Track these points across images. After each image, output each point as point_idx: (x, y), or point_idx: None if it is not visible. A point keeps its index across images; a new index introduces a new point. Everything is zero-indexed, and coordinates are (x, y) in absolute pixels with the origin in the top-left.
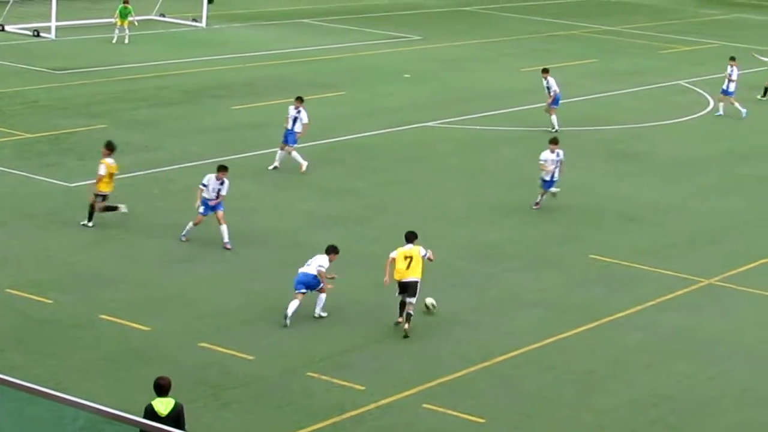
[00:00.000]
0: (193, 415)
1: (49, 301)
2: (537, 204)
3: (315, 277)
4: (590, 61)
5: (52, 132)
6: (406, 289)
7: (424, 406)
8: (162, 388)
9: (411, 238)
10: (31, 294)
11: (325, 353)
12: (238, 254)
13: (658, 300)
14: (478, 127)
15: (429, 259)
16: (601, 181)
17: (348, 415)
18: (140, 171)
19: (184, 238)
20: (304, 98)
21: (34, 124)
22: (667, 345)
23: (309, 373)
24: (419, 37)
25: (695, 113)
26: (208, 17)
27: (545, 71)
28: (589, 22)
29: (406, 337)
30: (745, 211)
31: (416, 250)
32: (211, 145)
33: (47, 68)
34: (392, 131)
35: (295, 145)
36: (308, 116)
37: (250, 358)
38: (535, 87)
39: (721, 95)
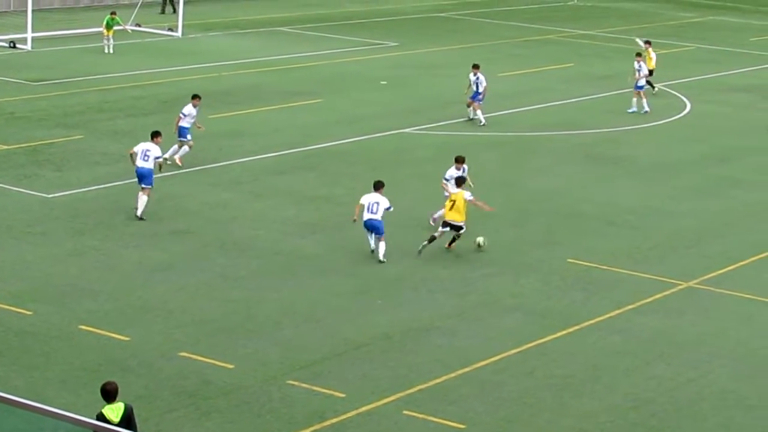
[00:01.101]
0: (173, 424)
1: (29, 313)
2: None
3: (381, 222)
4: (567, 65)
5: (30, 143)
6: (448, 227)
7: (405, 412)
8: (110, 394)
9: (459, 183)
10: (10, 305)
11: (305, 361)
12: (216, 263)
13: (637, 303)
14: (455, 133)
15: (473, 203)
16: (578, 185)
17: (329, 422)
18: (118, 181)
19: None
20: (279, 106)
21: (11, 135)
22: (647, 348)
23: (289, 381)
24: (395, 44)
25: (672, 116)
26: (183, 26)
27: (475, 67)
28: (565, 26)
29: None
30: (723, 213)
31: (461, 195)
32: (189, 155)
33: (24, 79)
34: (369, 138)
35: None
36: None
37: (230, 366)
38: (512, 92)
39: (635, 90)
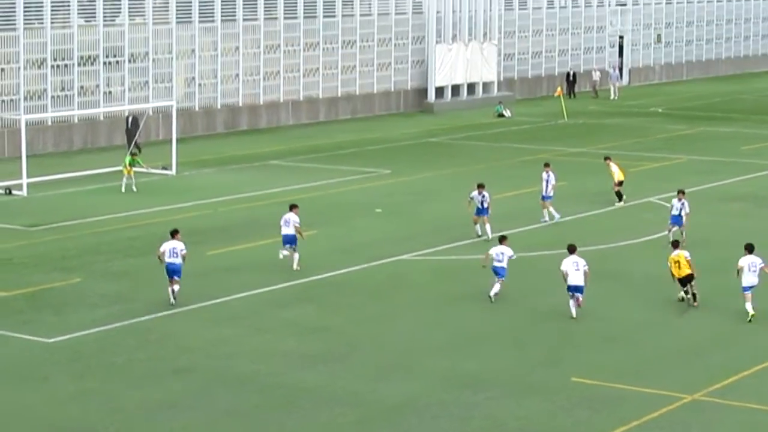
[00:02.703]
0: None
1: None
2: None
3: (505, 268)
4: (560, 183)
5: (28, 289)
6: (683, 282)
7: None
8: None
9: (676, 245)
10: None
11: None
12: (219, 399)
13: (643, 419)
14: (452, 257)
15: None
16: None
17: None
18: (117, 323)
19: None
20: (275, 239)
21: (10, 281)
22: None
23: None
24: (388, 171)
25: (667, 229)
26: (177, 164)
27: (481, 186)
28: (557, 145)
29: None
30: (723, 324)
31: (682, 255)
32: (188, 292)
33: (20, 225)
34: (367, 266)
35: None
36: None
37: None
38: (508, 213)
39: (542, 201)
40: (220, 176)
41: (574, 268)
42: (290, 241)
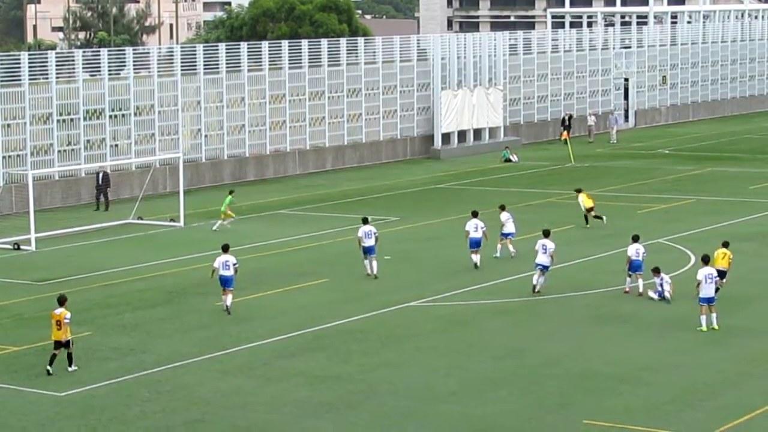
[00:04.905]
0: None
1: None
2: None
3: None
4: (568, 227)
5: (39, 343)
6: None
7: None
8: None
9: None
10: None
11: None
12: None
13: None
14: (460, 303)
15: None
16: (589, 345)
17: None
18: (128, 375)
19: None
20: (285, 288)
21: (21, 336)
22: None
23: None
24: (396, 218)
25: (678, 270)
26: (185, 216)
27: (474, 214)
28: (564, 188)
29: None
30: (735, 363)
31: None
32: (198, 343)
33: (29, 280)
34: (377, 314)
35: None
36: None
37: None
38: (516, 257)
39: (504, 239)
40: (228, 227)
41: (542, 251)
42: (371, 251)
